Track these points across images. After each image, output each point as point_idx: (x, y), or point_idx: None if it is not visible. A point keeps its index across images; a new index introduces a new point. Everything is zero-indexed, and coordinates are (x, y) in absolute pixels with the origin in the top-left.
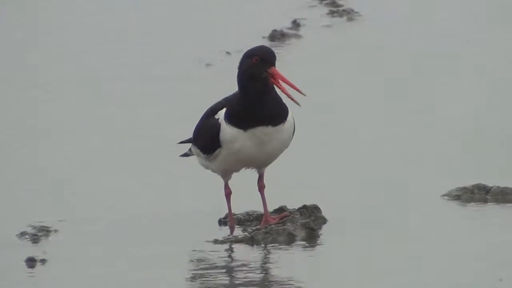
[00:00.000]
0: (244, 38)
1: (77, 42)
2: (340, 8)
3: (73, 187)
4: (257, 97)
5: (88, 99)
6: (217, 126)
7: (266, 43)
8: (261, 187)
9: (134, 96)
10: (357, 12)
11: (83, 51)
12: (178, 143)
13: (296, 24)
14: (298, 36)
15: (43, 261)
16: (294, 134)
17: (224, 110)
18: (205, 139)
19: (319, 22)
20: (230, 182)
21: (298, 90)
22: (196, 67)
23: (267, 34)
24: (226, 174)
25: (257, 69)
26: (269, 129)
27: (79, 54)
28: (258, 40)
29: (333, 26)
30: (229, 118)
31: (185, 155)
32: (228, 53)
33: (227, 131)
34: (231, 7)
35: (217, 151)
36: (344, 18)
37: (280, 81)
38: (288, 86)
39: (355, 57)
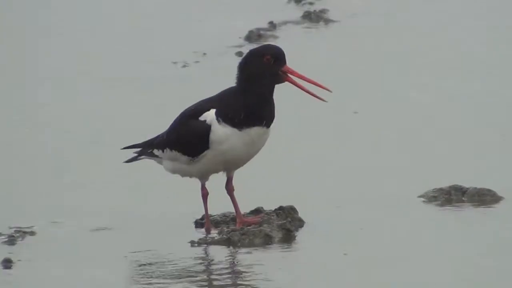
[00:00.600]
0: (220, 39)
1: (52, 44)
2: (316, 9)
3: (48, 190)
4: (263, 97)
5: (62, 99)
6: (206, 128)
7: (243, 43)
8: (230, 189)
9: (110, 98)
10: (332, 13)
11: (55, 53)
12: (123, 148)
13: (272, 25)
14: (274, 37)
15: (18, 262)
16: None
17: (212, 111)
18: (190, 142)
19: (295, 23)
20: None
21: (321, 86)
22: (172, 68)
23: (243, 35)
24: (205, 176)
25: (271, 68)
26: (263, 129)
27: (51, 56)
28: (235, 41)
29: (309, 27)
30: (224, 117)
31: (134, 159)
32: (204, 54)
33: (220, 131)
34: (207, 8)
35: (203, 153)
36: (320, 18)
37: (296, 79)
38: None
39: (331, 57)
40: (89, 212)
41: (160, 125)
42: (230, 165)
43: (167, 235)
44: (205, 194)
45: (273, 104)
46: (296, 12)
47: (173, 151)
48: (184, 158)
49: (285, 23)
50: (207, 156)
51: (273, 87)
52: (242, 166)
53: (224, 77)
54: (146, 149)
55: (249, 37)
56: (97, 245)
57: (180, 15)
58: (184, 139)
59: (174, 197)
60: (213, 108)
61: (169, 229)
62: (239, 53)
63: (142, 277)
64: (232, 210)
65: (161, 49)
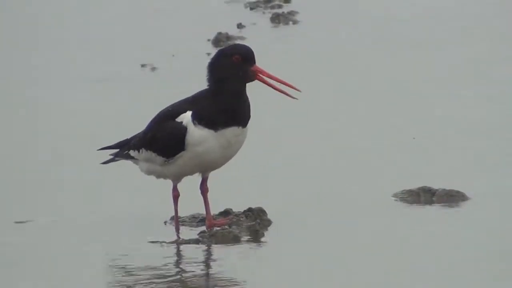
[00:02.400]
0: (189, 41)
1: (21, 44)
2: (284, 11)
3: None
4: (235, 97)
5: (26, 101)
6: (182, 130)
7: (211, 45)
8: (205, 190)
9: (79, 99)
10: (300, 14)
11: (23, 54)
12: (99, 150)
13: (241, 27)
14: (242, 38)
15: None
16: None
17: (188, 113)
18: (167, 143)
19: (263, 25)
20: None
21: (290, 86)
22: (141, 70)
23: (212, 36)
24: (178, 178)
25: (240, 68)
26: (239, 130)
27: (21, 57)
28: (203, 43)
29: (277, 28)
30: (199, 119)
31: (111, 160)
32: (173, 56)
33: (196, 133)
34: (175, 10)
35: (179, 155)
36: (288, 19)
37: (266, 78)
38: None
39: (299, 57)
40: (44, 212)
41: (129, 127)
42: (206, 168)
43: (135, 234)
44: (176, 196)
45: (248, 103)
46: (265, 14)
47: (149, 151)
48: (159, 159)
49: (253, 25)
50: (183, 158)
51: (245, 86)
52: (219, 168)
53: (193, 79)
54: (122, 150)
55: (218, 39)
56: (59, 243)
57: (149, 18)
58: (160, 140)
59: (144, 197)
60: (189, 110)
61: (138, 229)
62: (207, 55)
63: (114, 277)
64: (201, 212)
65: (129, 51)
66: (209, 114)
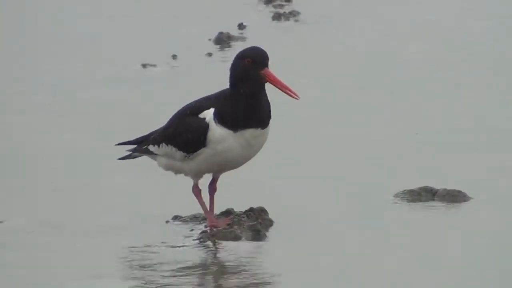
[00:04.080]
0: (190, 40)
1: (23, 45)
2: (286, 11)
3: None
4: (250, 99)
5: (29, 100)
6: (204, 126)
7: (212, 45)
8: (213, 190)
9: (79, 100)
10: (301, 14)
11: (26, 54)
12: (116, 145)
13: (242, 27)
14: (243, 38)
15: None
16: None
17: (211, 110)
18: (189, 139)
19: (265, 24)
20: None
21: (290, 93)
22: (142, 70)
23: (213, 36)
24: (198, 175)
25: (250, 70)
26: (258, 131)
27: (23, 56)
28: (204, 42)
29: (279, 28)
30: (219, 118)
31: (128, 157)
32: (174, 56)
33: (217, 131)
34: (176, 10)
35: (199, 151)
36: (289, 19)
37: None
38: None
39: (300, 57)
40: (47, 212)
41: (129, 127)
42: (225, 166)
43: (137, 235)
44: (197, 192)
45: (267, 104)
46: (266, 14)
47: (169, 146)
48: (180, 154)
49: (255, 25)
50: (203, 154)
51: (260, 88)
52: (238, 167)
53: (194, 79)
54: (141, 145)
55: (219, 39)
56: (69, 246)
57: (150, 17)
58: (182, 135)
59: (145, 197)
60: (212, 107)
61: (139, 230)
62: (209, 55)
63: (118, 273)
64: (202, 212)
65: (130, 51)
66: (228, 114)
